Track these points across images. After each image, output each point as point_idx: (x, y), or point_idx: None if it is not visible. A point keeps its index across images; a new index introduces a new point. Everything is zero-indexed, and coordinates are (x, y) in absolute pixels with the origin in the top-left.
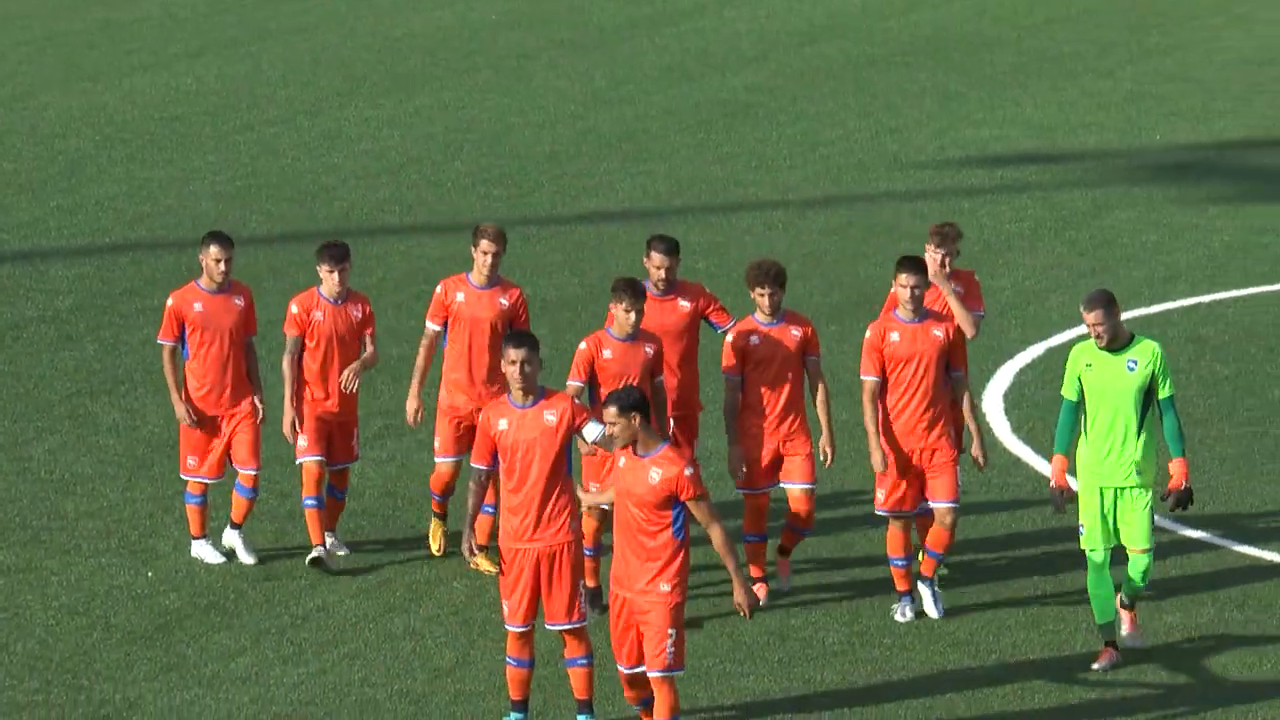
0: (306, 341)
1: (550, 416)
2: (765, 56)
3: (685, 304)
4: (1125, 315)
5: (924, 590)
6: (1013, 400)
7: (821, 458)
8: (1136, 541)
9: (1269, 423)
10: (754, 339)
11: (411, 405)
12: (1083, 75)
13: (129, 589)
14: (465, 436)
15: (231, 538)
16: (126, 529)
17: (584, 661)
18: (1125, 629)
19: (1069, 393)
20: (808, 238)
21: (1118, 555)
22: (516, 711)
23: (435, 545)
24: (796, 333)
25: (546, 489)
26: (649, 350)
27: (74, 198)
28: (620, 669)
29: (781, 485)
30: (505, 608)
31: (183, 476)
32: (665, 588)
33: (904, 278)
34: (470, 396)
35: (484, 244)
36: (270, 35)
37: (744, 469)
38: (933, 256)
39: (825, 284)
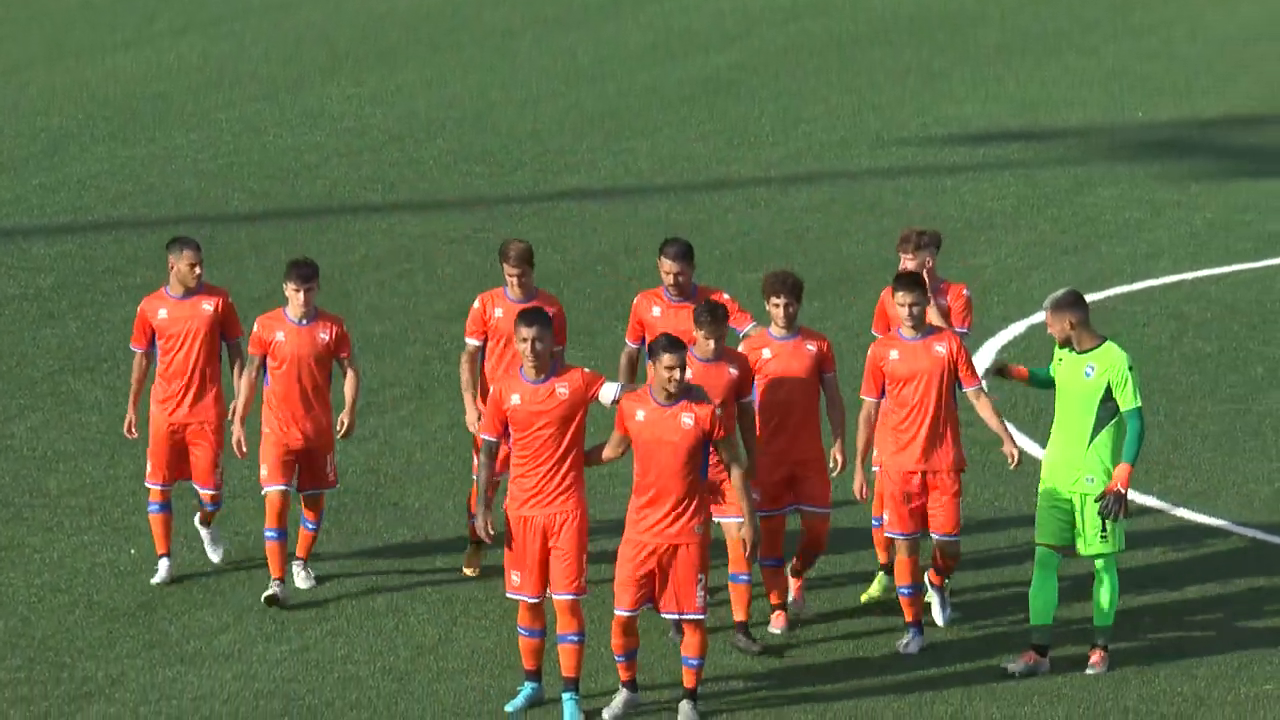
0: (270, 362)
1: (562, 390)
2: (748, 33)
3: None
4: (1107, 293)
5: (933, 596)
6: (995, 379)
7: (831, 464)
8: (1089, 547)
9: (1251, 399)
10: (766, 353)
11: (470, 417)
12: (1066, 52)
13: (111, 566)
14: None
15: (202, 533)
16: (109, 506)
17: (575, 638)
18: (1093, 662)
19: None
20: (790, 215)
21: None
22: (531, 681)
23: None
24: (811, 348)
25: (559, 460)
26: (732, 372)
27: (56, 175)
28: (620, 613)
29: (797, 507)
30: (514, 579)
31: (146, 484)
32: (699, 530)
33: (901, 295)
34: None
35: (508, 267)
36: (253, 12)
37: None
38: (907, 264)
39: (808, 260)
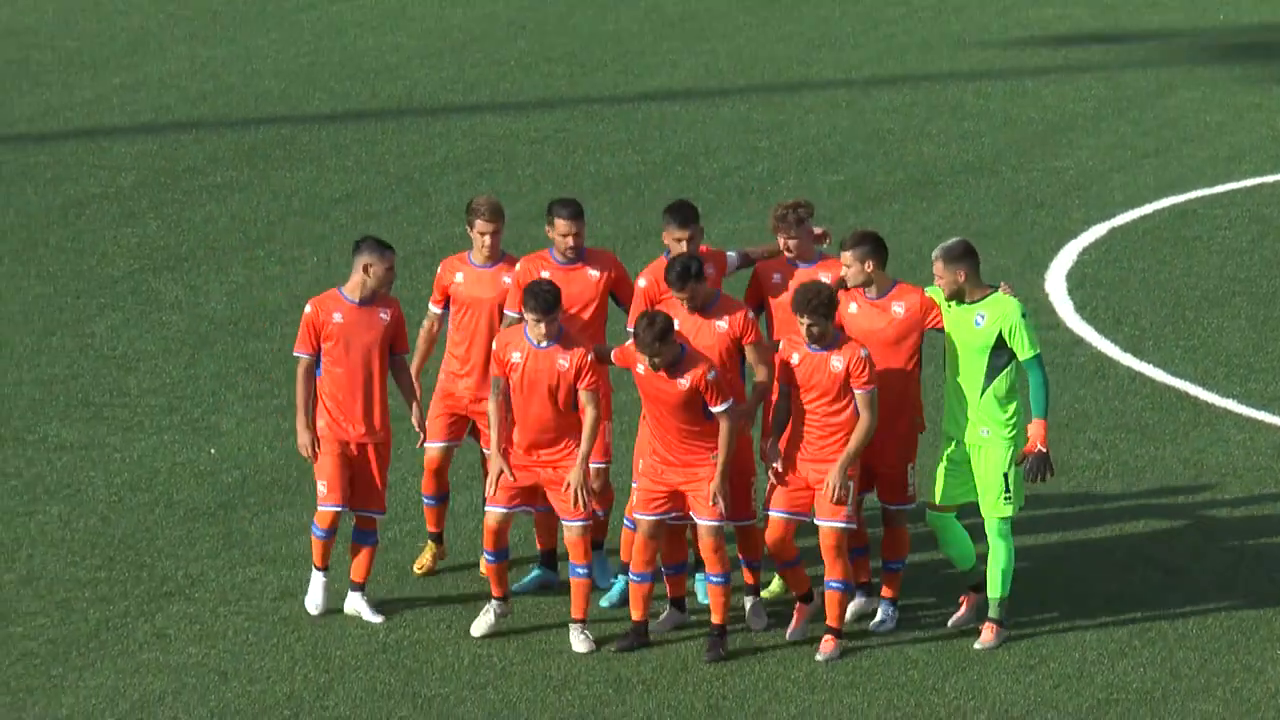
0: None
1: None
2: None
3: (594, 273)
4: (1188, 196)
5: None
6: (1076, 280)
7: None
8: (989, 509)
9: None
10: (795, 357)
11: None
12: None
13: (191, 466)
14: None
15: (353, 600)
16: (189, 406)
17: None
18: (984, 639)
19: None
20: (871, 117)
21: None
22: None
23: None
24: (839, 364)
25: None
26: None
27: (136, 75)
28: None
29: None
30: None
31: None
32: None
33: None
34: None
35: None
36: None
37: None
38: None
39: (888, 163)
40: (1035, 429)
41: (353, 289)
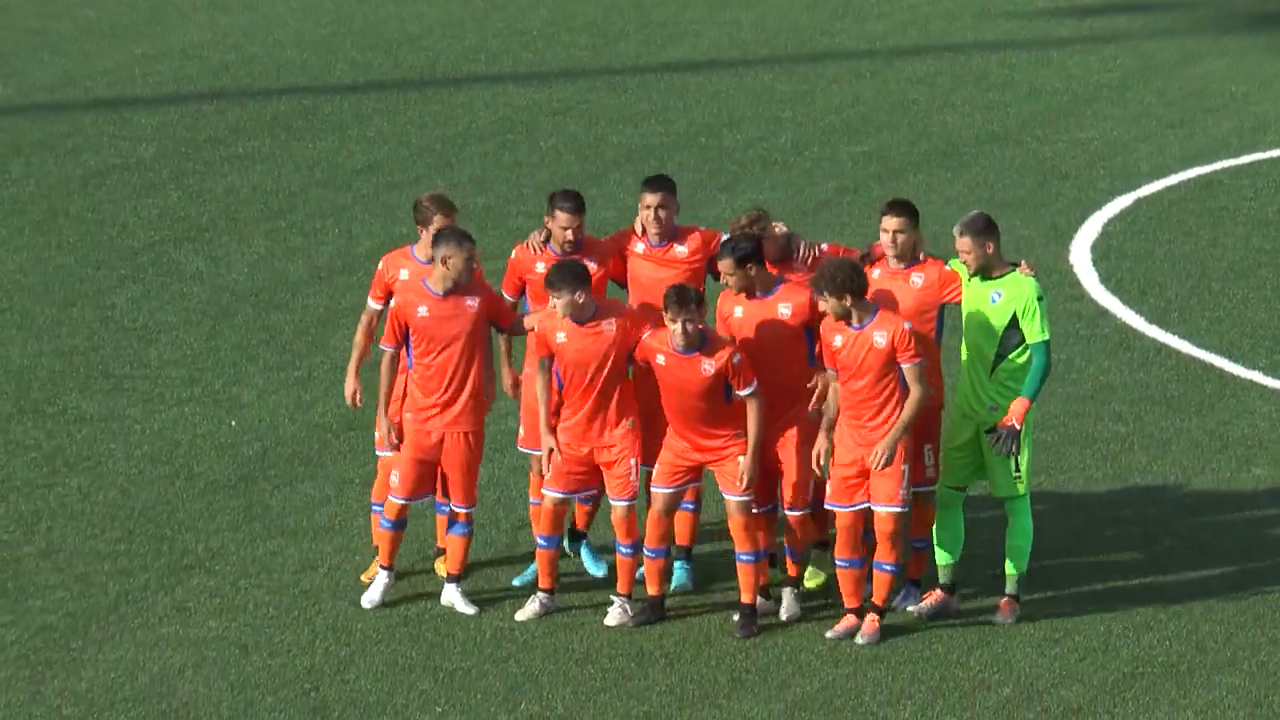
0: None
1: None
2: None
3: (592, 265)
4: (1214, 167)
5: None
6: (1101, 251)
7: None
8: (999, 488)
9: None
10: (838, 340)
11: (349, 388)
12: None
13: (212, 438)
14: None
15: (449, 592)
16: (210, 377)
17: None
18: (1001, 614)
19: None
20: (895, 87)
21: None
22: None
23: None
24: (882, 340)
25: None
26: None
27: (158, 44)
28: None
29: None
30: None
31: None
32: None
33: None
34: None
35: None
36: None
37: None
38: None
39: (912, 134)
40: (1018, 405)
41: (436, 281)
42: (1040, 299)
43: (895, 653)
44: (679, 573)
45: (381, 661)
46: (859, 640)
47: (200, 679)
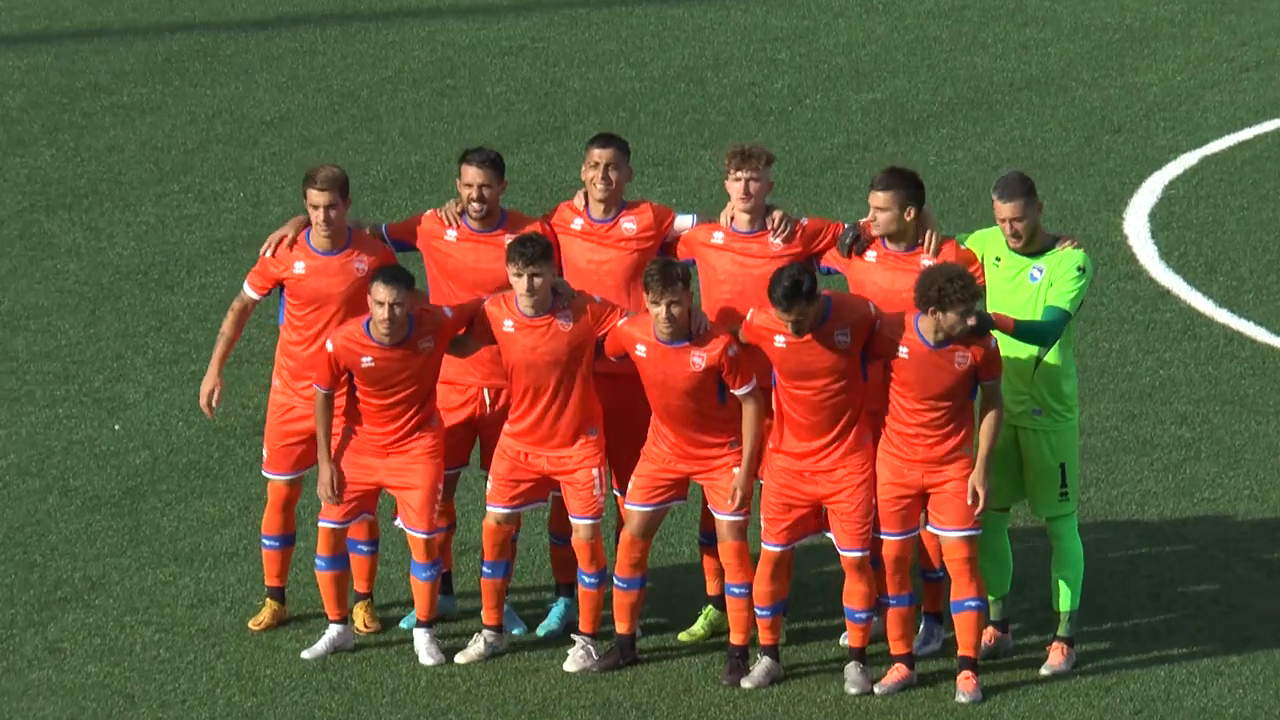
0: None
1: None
2: None
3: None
4: None
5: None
6: (1161, 220)
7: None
8: (1042, 507)
9: None
10: (904, 351)
11: (206, 386)
12: None
13: (91, 445)
14: None
15: (419, 638)
16: (89, 373)
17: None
18: (1052, 660)
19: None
20: (913, 22)
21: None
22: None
23: None
24: (964, 359)
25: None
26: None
27: None
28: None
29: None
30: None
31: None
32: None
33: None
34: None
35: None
36: None
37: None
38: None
39: (934, 79)
40: (1004, 319)
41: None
42: (1081, 271)
43: (914, 705)
44: (554, 610)
45: (294, 714)
46: (877, 689)
47: None
